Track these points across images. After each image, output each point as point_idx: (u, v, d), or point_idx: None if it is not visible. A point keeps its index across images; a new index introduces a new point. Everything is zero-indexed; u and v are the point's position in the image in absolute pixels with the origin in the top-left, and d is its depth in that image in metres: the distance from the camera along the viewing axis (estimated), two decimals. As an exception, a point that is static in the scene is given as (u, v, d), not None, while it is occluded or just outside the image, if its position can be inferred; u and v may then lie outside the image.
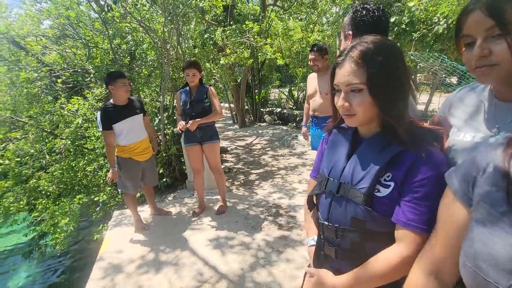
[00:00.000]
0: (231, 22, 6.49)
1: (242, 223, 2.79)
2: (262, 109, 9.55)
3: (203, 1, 4.71)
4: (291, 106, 9.60)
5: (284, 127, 7.93)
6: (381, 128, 0.77)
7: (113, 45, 4.40)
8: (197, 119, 2.65)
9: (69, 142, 4.27)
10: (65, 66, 5.02)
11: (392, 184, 0.71)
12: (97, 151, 4.34)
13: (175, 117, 4.33)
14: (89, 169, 4.25)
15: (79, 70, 5.07)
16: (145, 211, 3.15)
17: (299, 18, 9.13)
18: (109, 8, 4.97)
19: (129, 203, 2.76)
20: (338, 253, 0.81)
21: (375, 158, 0.74)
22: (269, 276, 2.03)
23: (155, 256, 2.37)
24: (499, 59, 0.63)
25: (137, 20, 4.00)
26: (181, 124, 2.61)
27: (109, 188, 4.28)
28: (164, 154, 4.11)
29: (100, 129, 2.43)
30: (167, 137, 4.30)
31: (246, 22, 5.01)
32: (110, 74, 2.48)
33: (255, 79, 9.17)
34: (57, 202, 4.26)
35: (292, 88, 10.06)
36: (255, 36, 4.95)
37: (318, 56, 2.66)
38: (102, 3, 5.06)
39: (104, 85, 4.20)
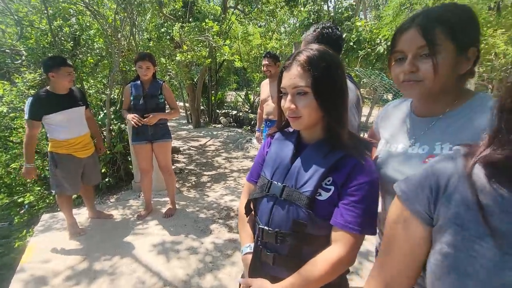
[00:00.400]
0: (190, 19, 6.32)
1: (191, 226, 2.71)
2: (217, 111, 9.46)
3: (161, -7, 4.49)
4: (247, 110, 9.71)
5: (239, 130, 7.97)
6: (324, 133, 0.81)
7: (53, 26, 3.90)
8: (157, 113, 2.51)
9: (-12, 132, 3.66)
10: (-11, 44, 4.30)
11: (333, 188, 0.75)
12: (24, 144, 3.79)
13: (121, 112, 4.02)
14: (14, 166, 3.68)
15: (7, 50, 4.38)
16: (82, 214, 2.85)
17: (259, 24, 9.34)
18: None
19: (63, 205, 2.46)
20: (276, 259, 0.81)
21: (319, 162, 0.76)
22: (215, 280, 2.01)
23: (89, 265, 2.15)
24: (424, 76, 0.70)
25: (84, 2, 3.63)
26: (135, 117, 2.42)
27: (38, 188, 3.77)
28: (109, 152, 3.77)
29: (26, 117, 2.12)
30: (113, 133, 3.97)
31: (206, 21, 4.93)
32: (52, 59, 2.19)
33: (212, 80, 9.05)
34: (-33, 203, 3.59)
35: (249, 92, 10.19)
36: (214, 36, 4.90)
37: (271, 62, 2.79)
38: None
39: (40, 70, 3.71)
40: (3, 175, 3.78)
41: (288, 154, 0.84)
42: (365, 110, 8.04)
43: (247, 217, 0.94)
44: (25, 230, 3.44)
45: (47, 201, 3.68)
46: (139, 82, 2.56)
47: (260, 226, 0.84)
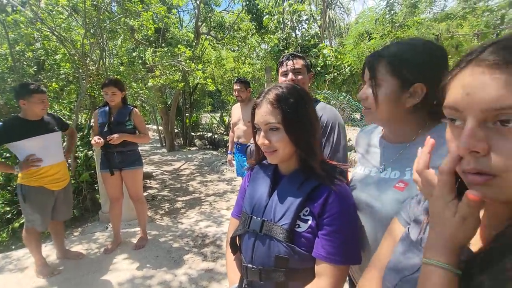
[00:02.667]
0: (163, 44, 6.37)
1: (163, 258, 2.56)
2: (192, 133, 9.37)
3: (133, 21, 4.52)
4: (222, 132, 9.73)
5: (214, 152, 7.91)
6: (299, 164, 0.83)
7: (14, 51, 3.73)
8: (122, 134, 2.41)
9: None
10: None
11: (310, 218, 0.75)
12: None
13: (89, 138, 3.84)
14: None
15: (-40, 75, 4.07)
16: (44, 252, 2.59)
17: (232, 49, 9.64)
18: (13, 9, 4.26)
19: (31, 242, 2.22)
20: None
21: (294, 193, 0.77)
22: (191, 316, 1.89)
23: (48, 309, 1.93)
24: (370, 105, 0.77)
25: (50, 27, 3.54)
26: (95, 139, 2.32)
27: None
28: (74, 181, 3.54)
29: None
30: (78, 161, 3.75)
31: (179, 46, 5.01)
32: (24, 86, 2.07)
33: (187, 103, 9.03)
34: None
35: (224, 114, 10.27)
36: (187, 61, 4.97)
37: (242, 88, 2.87)
38: (4, 2, 4.32)
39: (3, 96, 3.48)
40: None
41: (265, 188, 0.85)
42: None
43: (234, 255, 0.92)
44: (-30, 275, 3.03)
45: (0, 238, 3.30)
46: (107, 108, 2.49)
47: (244, 264, 0.83)
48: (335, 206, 0.74)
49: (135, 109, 2.59)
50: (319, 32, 7.20)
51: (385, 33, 4.71)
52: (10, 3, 4.50)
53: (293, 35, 6.85)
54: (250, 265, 0.80)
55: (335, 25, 13.37)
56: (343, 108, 6.07)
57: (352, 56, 4.82)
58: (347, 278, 0.98)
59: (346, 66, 5.13)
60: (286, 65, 1.46)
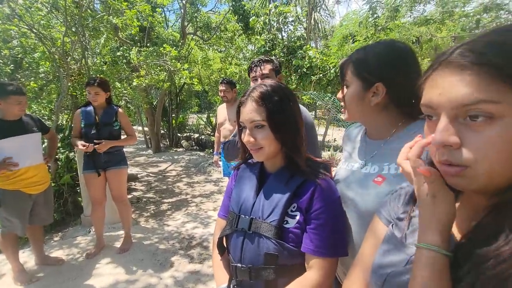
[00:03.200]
0: (148, 44, 6.27)
1: (148, 261, 2.51)
2: (179, 134, 9.25)
3: (116, 19, 4.42)
4: (209, 132, 9.66)
5: (201, 153, 7.84)
6: (284, 162, 0.84)
7: (-12, 49, 3.56)
8: (109, 141, 2.36)
9: None
10: None
11: (298, 214, 0.76)
12: None
13: (70, 139, 3.72)
14: None
15: None
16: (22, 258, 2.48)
17: (219, 50, 9.61)
18: (-12, 4, 4.07)
19: (8, 247, 2.13)
20: None
21: (281, 190, 0.78)
22: (177, 319, 1.86)
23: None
24: (345, 105, 0.85)
25: (29, 24, 3.40)
26: (83, 144, 2.25)
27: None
28: (54, 184, 3.41)
29: None
30: (59, 163, 3.62)
31: (164, 46, 4.94)
32: (1, 86, 1.99)
33: (173, 103, 8.91)
34: None
35: (211, 114, 10.20)
36: (173, 60, 4.90)
37: (228, 88, 2.88)
38: (-22, -3, 4.12)
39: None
40: None
41: (252, 187, 0.86)
42: (321, 130, 8.53)
43: (221, 255, 0.91)
44: None
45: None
46: (91, 107, 2.41)
47: (232, 264, 0.83)
48: (321, 200, 0.76)
49: (120, 109, 2.54)
50: (305, 34, 7.30)
51: (368, 36, 4.84)
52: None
53: (279, 36, 6.91)
54: (239, 265, 0.80)
55: (320, 27, 13.59)
56: (329, 109, 6.17)
57: (337, 58, 4.93)
58: None
59: (331, 67, 5.23)
60: (255, 71, 1.54)
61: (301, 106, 1.46)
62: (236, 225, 0.82)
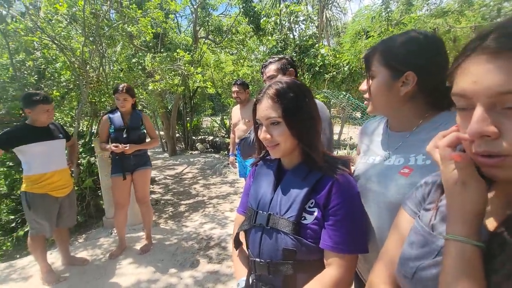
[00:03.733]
0: (162, 50, 6.41)
1: (168, 261, 2.55)
2: (194, 137, 9.38)
3: (131, 27, 4.55)
4: (223, 134, 9.74)
5: (216, 155, 7.91)
6: (302, 158, 0.84)
7: (14, 60, 3.77)
8: (135, 144, 2.48)
9: None
10: None
11: (316, 210, 0.75)
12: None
13: (92, 145, 3.85)
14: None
15: (-39, 86, 4.10)
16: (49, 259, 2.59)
17: (231, 52, 9.68)
18: (13, 19, 4.31)
19: (37, 249, 2.23)
20: None
21: (299, 186, 0.78)
22: (198, 318, 1.88)
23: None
24: (370, 96, 0.83)
25: (50, 36, 3.57)
26: (115, 145, 2.36)
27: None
28: (77, 188, 3.54)
29: None
30: (81, 167, 3.76)
31: (177, 51, 5.03)
32: (28, 96, 2.10)
33: (187, 107, 9.06)
34: None
35: (225, 116, 10.29)
36: (186, 65, 4.99)
37: (241, 89, 2.92)
38: (4, 13, 4.37)
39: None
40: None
41: (270, 183, 0.86)
42: (336, 129, 8.40)
43: (236, 250, 0.93)
44: (-24, 285, 3.03)
45: (4, 248, 3.31)
46: (118, 113, 2.49)
47: (251, 258, 0.83)
48: (339, 196, 0.74)
49: (143, 114, 2.64)
50: (317, 32, 7.23)
51: (382, 31, 4.72)
52: (9, 14, 4.56)
53: (291, 36, 6.88)
54: (258, 259, 0.81)
55: (332, 24, 13.42)
56: (343, 107, 6.06)
57: (350, 55, 4.84)
58: None
59: (345, 65, 5.14)
60: (262, 74, 1.63)
61: (319, 102, 1.45)
62: (254, 220, 0.83)
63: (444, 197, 0.53)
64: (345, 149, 5.96)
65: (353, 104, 5.39)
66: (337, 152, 6.01)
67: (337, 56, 5.29)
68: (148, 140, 2.70)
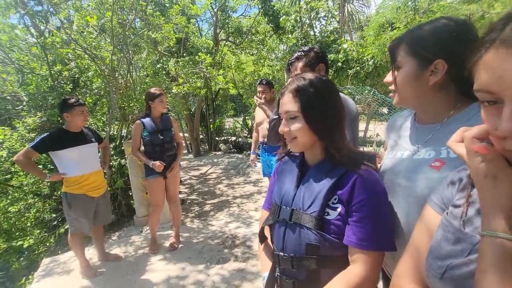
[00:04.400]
0: (184, 54, 6.60)
1: (195, 259, 2.62)
2: (217, 138, 9.55)
3: (155, 33, 4.74)
4: (246, 135, 9.81)
5: (239, 155, 7.99)
6: (325, 154, 0.83)
7: (52, 72, 4.07)
8: (175, 163, 2.67)
9: (-12, 179, 3.66)
10: (-10, 93, 4.44)
11: (340, 206, 0.75)
12: (25, 188, 3.77)
13: (122, 148, 4.06)
14: (13, 210, 3.64)
15: (8, 97, 4.52)
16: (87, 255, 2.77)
17: (251, 53, 9.73)
18: (50, 33, 4.66)
19: (76, 245, 2.41)
20: (295, 286, 0.81)
21: (322, 182, 0.78)
22: (225, 315, 1.91)
23: (93, 307, 2.06)
24: (396, 88, 0.80)
25: (83, 47, 3.82)
26: (159, 165, 2.48)
27: (38, 231, 3.69)
28: (109, 188, 3.75)
29: (30, 145, 2.16)
30: (113, 169, 3.98)
31: (199, 54, 5.16)
32: (65, 100, 2.28)
33: (210, 108, 9.25)
34: (-35, 253, 3.49)
35: (246, 117, 10.36)
36: (208, 67, 5.10)
37: (266, 89, 2.91)
38: (42, 28, 4.74)
39: (40, 113, 3.80)
40: (2, 221, 3.72)
41: (293, 179, 0.87)
42: (362, 126, 8.13)
43: (261, 244, 0.96)
44: (24, 278, 3.32)
45: (47, 244, 3.59)
46: (148, 118, 2.59)
47: (276, 252, 0.85)
48: (363, 192, 0.73)
49: (171, 117, 2.75)
50: (338, 27, 7.05)
51: (409, 21, 4.48)
52: (47, 28, 4.93)
53: (311, 32, 6.77)
54: (281, 253, 0.82)
55: (354, 18, 13.01)
56: (369, 103, 5.85)
57: (374, 48, 4.65)
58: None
59: (369, 59, 4.95)
60: (290, 72, 1.53)
61: (345, 96, 1.40)
62: (278, 215, 0.84)
63: (474, 192, 0.50)
64: (371, 146, 5.75)
65: (379, 100, 5.19)
66: (363, 150, 5.79)
67: (360, 50, 5.11)
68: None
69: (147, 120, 2.59)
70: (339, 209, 0.75)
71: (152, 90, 2.61)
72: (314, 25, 6.70)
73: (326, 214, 0.76)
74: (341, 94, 1.41)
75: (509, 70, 0.36)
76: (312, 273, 0.78)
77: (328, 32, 6.06)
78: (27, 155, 2.16)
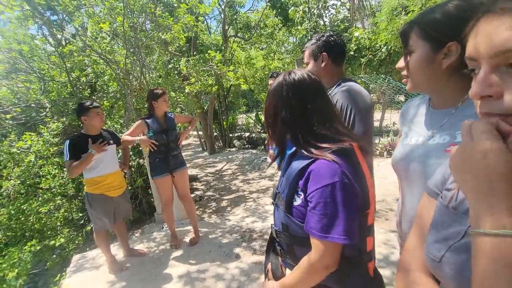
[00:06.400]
0: (195, 52, 6.67)
1: (215, 253, 2.69)
2: (230, 135, 9.63)
3: (165, 34, 4.82)
4: (259, 130, 9.82)
5: (254, 151, 8.03)
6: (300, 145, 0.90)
7: (71, 78, 4.25)
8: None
9: (19, 182, 3.89)
10: (16, 102, 4.70)
11: (302, 194, 0.81)
12: (53, 190, 3.99)
13: (140, 148, 4.20)
14: (43, 211, 3.87)
15: (32, 105, 4.77)
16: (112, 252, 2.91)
17: (260, 47, 9.68)
18: (67, 41, 4.86)
19: (101, 242, 2.53)
20: (282, 253, 0.94)
21: (294, 170, 0.85)
22: (246, 306, 1.96)
23: (121, 300, 2.17)
24: (409, 72, 0.79)
25: (98, 52, 3.95)
26: (144, 138, 2.55)
27: (67, 230, 3.91)
28: (130, 187, 3.91)
29: (66, 158, 2.27)
30: (132, 169, 4.13)
31: (209, 52, 5.20)
32: (81, 104, 2.38)
33: (222, 106, 9.32)
34: (3, 253, 3.76)
35: (259, 112, 10.36)
36: (218, 64, 5.13)
37: None
38: (59, 37, 4.94)
39: (62, 119, 4.00)
40: (35, 221, 3.97)
41: (284, 165, 0.97)
42: (377, 115, 7.92)
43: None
44: (59, 275, 3.54)
45: (76, 242, 3.80)
46: (152, 118, 2.62)
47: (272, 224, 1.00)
48: (314, 183, 0.77)
49: (174, 114, 2.79)
50: (349, 15, 6.86)
51: (423, 3, 4.29)
52: (63, 37, 5.14)
53: (321, 22, 6.64)
54: (273, 225, 0.98)
55: (365, 5, 12.59)
56: (383, 91, 5.69)
57: (387, 34, 4.50)
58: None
59: (382, 46, 4.80)
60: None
61: (359, 88, 1.37)
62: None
63: None
64: (388, 136, 5.61)
65: (395, 87, 5.04)
66: (379, 140, 5.69)
67: (373, 38, 4.96)
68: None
69: (151, 121, 2.61)
70: (301, 197, 0.82)
71: (155, 90, 2.64)
72: (323, 14, 6.57)
73: (294, 200, 0.84)
74: (355, 85, 1.39)
75: (487, 35, 0.37)
76: (288, 246, 0.89)
77: (339, 21, 5.93)
78: (72, 166, 2.26)
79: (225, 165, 6.94)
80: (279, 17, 7.56)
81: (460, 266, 0.45)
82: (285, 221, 0.86)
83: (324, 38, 1.45)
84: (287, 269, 0.95)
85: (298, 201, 0.83)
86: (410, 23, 0.77)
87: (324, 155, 0.78)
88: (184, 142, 3.14)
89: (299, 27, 6.46)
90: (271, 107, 0.89)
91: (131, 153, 4.24)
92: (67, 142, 2.32)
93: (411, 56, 0.76)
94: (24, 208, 3.89)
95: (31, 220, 3.94)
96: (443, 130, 0.77)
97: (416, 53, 0.75)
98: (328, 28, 5.90)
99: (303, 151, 0.83)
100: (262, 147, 7.99)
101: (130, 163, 4.10)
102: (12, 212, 3.83)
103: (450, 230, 0.49)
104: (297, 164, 0.84)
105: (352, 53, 5.02)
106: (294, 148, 1.01)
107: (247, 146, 8.95)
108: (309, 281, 0.80)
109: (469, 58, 0.42)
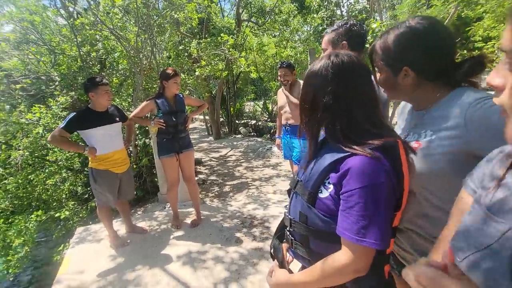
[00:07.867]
0: (206, 35, 6.55)
1: (216, 236, 2.72)
2: (237, 121, 9.59)
3: (178, 13, 4.72)
4: (266, 119, 9.76)
5: (259, 139, 8.00)
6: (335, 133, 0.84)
7: (82, 52, 4.22)
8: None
9: (28, 153, 3.95)
10: (27, 73, 4.71)
11: (332, 187, 0.75)
12: (60, 163, 4.05)
13: (146, 128, 4.20)
14: (50, 183, 3.94)
15: (42, 77, 4.77)
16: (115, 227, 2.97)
17: (273, 34, 9.47)
18: (79, 14, 4.80)
19: (104, 217, 2.58)
20: (292, 243, 0.90)
21: (325, 160, 0.78)
22: (243, 289, 1.99)
23: (119, 275, 2.22)
24: (382, 87, 0.91)
25: (109, 28, 3.90)
26: (159, 121, 2.55)
27: (72, 203, 3.99)
28: (135, 166, 3.94)
29: (61, 125, 2.27)
30: (138, 148, 4.15)
31: (221, 35, 5.10)
32: (90, 80, 2.35)
33: (231, 92, 9.24)
34: (9, 220, 3.87)
35: (267, 101, 10.26)
36: (230, 49, 5.04)
37: (287, 72, 2.85)
38: (71, 9, 4.88)
39: (71, 93, 4.00)
40: (41, 192, 4.05)
41: (309, 152, 0.90)
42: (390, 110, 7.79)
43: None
44: (62, 245, 3.64)
45: (80, 215, 3.88)
46: (163, 98, 2.60)
47: (285, 211, 0.96)
48: (353, 182, 0.70)
49: (183, 95, 2.75)
50: (368, 6, 6.62)
51: (447, -3, 4.09)
52: (75, 10, 5.07)
53: (338, 12, 6.43)
54: (287, 213, 0.93)
55: (385, -4, 12.13)
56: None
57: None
58: None
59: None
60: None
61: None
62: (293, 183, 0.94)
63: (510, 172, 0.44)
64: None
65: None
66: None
67: (391, 30, 4.80)
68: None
69: (161, 101, 2.59)
70: (330, 190, 0.76)
71: (168, 69, 2.60)
72: (341, 3, 6.35)
73: (320, 191, 0.79)
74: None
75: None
76: (303, 237, 0.85)
77: (357, 12, 5.73)
78: (59, 134, 2.29)
79: (230, 151, 6.95)
80: (295, 4, 7.34)
81: (488, 273, 0.41)
82: (304, 212, 0.81)
83: (347, 26, 1.41)
84: (295, 260, 0.92)
85: (325, 194, 0.77)
86: (372, 47, 0.88)
87: (365, 152, 0.70)
88: (190, 126, 3.15)
89: (315, 15, 6.28)
90: (310, 90, 0.81)
91: (137, 132, 4.25)
92: (73, 113, 2.33)
93: (380, 76, 0.89)
94: (32, 178, 3.97)
95: (38, 191, 4.03)
96: (415, 129, 0.88)
97: (382, 75, 0.88)
98: (346, 18, 5.72)
99: (340, 145, 0.76)
100: (268, 135, 7.95)
101: (136, 142, 4.12)
102: (20, 181, 3.91)
103: (482, 232, 0.45)
104: (330, 156, 0.77)
105: (368, 45, 4.88)
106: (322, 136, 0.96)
107: (252, 134, 8.92)
108: (329, 282, 0.75)
109: (502, 50, 0.42)
